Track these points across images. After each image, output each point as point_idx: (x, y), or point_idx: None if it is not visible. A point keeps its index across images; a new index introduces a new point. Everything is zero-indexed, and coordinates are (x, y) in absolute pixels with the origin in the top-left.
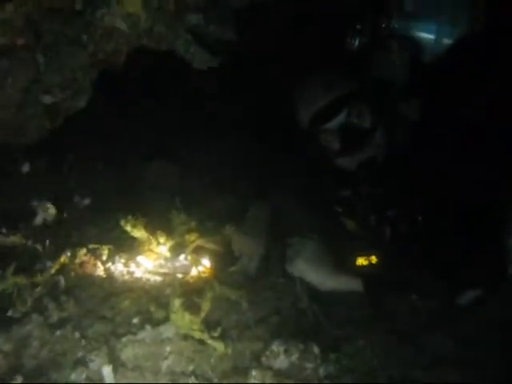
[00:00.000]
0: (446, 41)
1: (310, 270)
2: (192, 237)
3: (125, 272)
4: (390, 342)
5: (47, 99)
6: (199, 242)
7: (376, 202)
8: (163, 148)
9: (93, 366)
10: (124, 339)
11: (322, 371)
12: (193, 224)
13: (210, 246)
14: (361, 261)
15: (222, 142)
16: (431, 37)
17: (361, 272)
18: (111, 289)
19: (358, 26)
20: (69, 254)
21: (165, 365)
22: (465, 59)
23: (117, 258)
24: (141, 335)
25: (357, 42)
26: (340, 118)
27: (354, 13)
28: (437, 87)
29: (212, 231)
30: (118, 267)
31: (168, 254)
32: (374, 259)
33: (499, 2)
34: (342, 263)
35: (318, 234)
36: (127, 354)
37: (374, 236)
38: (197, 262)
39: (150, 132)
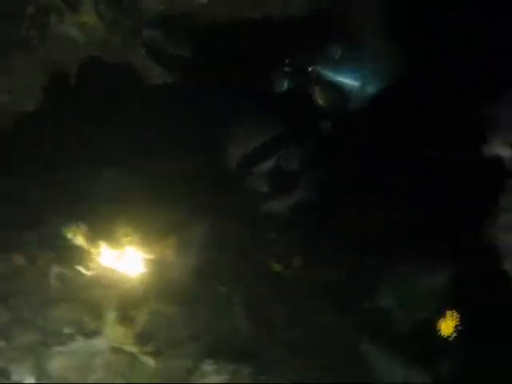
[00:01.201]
0: (370, 89)
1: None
2: (134, 248)
3: (62, 281)
4: (324, 365)
5: None
6: (140, 253)
7: (297, 246)
8: (113, 158)
9: (15, 377)
10: (53, 349)
11: None
12: (136, 236)
13: (151, 257)
14: None
15: (172, 159)
16: (356, 84)
17: None
18: (46, 297)
19: (287, 69)
20: (4, 258)
21: (93, 378)
22: (389, 107)
23: (55, 265)
24: (71, 346)
25: (285, 85)
26: (269, 162)
27: (282, 56)
28: (364, 131)
29: (154, 243)
30: (55, 275)
31: (108, 265)
32: None
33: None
34: None
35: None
36: (55, 365)
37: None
38: (135, 274)
39: (100, 141)
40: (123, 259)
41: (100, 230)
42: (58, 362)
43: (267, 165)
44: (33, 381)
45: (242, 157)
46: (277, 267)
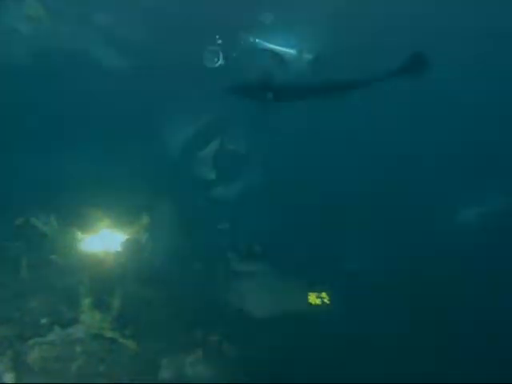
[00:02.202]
0: (307, 56)
1: None
2: (107, 231)
3: (34, 271)
4: None
5: None
6: (112, 236)
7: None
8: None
9: None
10: (31, 342)
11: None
12: (108, 219)
13: (123, 239)
14: None
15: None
16: (292, 51)
17: None
18: (19, 289)
19: (219, 42)
20: None
21: (74, 366)
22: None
23: (26, 256)
24: (49, 337)
25: (219, 60)
26: (213, 145)
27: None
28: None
29: (124, 226)
30: (28, 266)
31: (81, 251)
32: None
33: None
34: None
35: None
36: (34, 357)
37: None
38: (108, 258)
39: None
40: (95, 244)
41: (69, 217)
42: (37, 354)
43: (211, 149)
44: (11, 375)
45: (183, 144)
46: (235, 257)
